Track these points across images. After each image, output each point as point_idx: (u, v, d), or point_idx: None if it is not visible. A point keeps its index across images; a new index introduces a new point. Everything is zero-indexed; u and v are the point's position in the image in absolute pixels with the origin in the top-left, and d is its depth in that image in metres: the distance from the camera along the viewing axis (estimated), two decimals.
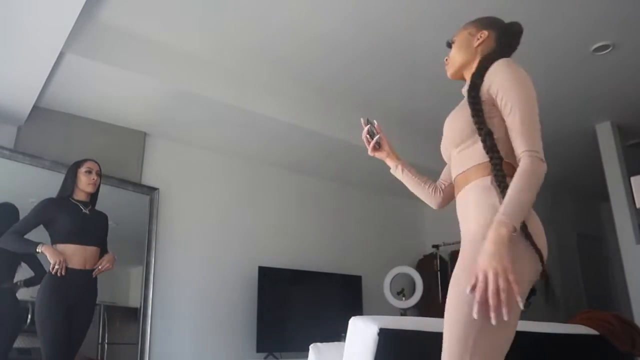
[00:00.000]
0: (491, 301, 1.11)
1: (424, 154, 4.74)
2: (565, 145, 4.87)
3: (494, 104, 1.35)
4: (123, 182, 3.65)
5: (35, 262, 2.96)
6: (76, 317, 2.64)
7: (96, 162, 2.94)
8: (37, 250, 2.58)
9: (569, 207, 6.19)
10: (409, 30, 3.15)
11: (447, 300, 1.28)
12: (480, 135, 1.33)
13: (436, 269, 5.15)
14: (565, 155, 5.09)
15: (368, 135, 1.74)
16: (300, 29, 3.16)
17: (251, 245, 4.29)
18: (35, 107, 3.25)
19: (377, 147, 1.76)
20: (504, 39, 1.54)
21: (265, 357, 3.92)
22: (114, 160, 3.64)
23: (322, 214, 4.93)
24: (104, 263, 2.76)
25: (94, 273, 2.74)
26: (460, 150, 1.41)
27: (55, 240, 2.68)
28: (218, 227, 4.16)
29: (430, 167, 4.70)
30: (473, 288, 1.14)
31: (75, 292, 2.62)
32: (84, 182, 2.83)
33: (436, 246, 5.25)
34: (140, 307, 3.57)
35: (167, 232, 3.85)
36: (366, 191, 5.40)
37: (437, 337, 1.75)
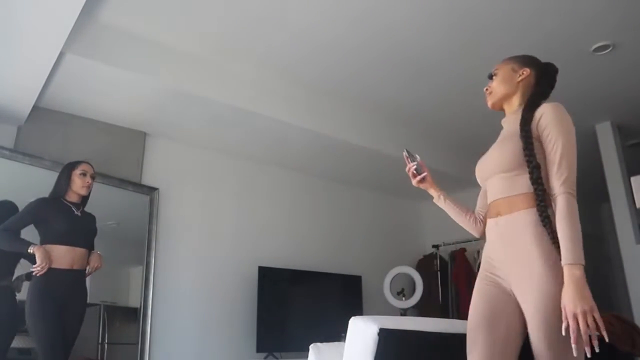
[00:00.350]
0: (584, 338, 1.32)
1: (429, 156, 4.75)
2: None
3: (539, 140, 1.55)
4: (123, 182, 3.65)
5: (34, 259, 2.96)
6: (67, 317, 2.65)
7: (90, 165, 2.93)
8: (29, 250, 2.60)
9: None
10: (416, 34, 3.15)
11: (551, 341, 1.43)
12: (528, 167, 1.51)
13: (436, 269, 5.15)
14: None
15: (414, 170, 1.90)
16: (300, 29, 3.16)
17: (251, 245, 4.29)
18: (35, 107, 3.25)
19: (422, 180, 1.90)
20: (543, 78, 1.75)
21: (265, 357, 3.92)
22: (114, 160, 3.64)
23: (322, 214, 4.93)
24: (94, 263, 2.78)
25: (87, 274, 2.76)
26: (506, 177, 1.58)
27: (45, 240, 2.68)
28: (218, 227, 4.16)
29: (436, 168, 4.73)
30: (567, 330, 1.34)
31: (63, 292, 2.64)
32: (78, 185, 2.83)
33: (436, 246, 5.25)
34: (140, 307, 3.57)
35: (167, 232, 3.85)
36: (366, 191, 5.40)
37: (436, 337, 1.75)
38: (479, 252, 4.96)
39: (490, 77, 1.78)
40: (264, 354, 3.92)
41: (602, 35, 3.23)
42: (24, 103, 3.15)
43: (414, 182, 1.90)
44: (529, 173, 1.50)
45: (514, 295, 1.52)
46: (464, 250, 5.09)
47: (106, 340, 3.40)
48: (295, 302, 4.31)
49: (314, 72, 3.65)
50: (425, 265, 5.26)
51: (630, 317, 3.64)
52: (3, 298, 2.89)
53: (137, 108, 3.54)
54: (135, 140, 3.83)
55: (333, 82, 3.80)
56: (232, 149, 4.29)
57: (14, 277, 2.96)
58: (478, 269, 5.59)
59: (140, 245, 3.68)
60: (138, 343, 3.48)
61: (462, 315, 4.78)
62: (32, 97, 3.10)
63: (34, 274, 2.57)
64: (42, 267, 2.55)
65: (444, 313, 4.96)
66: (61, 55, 2.82)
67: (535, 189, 1.48)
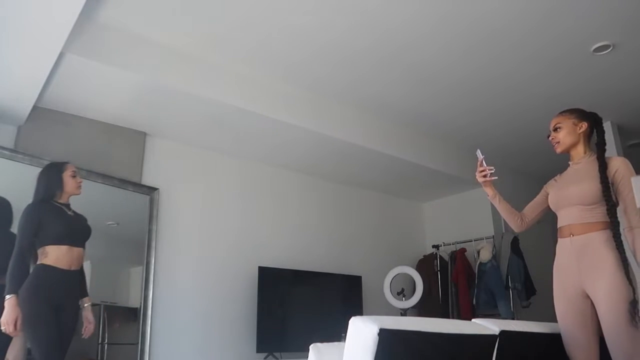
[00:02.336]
0: None
1: (426, 153, 4.75)
2: None
3: (613, 184, 2.17)
4: (123, 182, 3.65)
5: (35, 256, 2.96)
6: (64, 317, 2.65)
7: (72, 164, 2.90)
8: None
9: None
10: (423, 39, 3.15)
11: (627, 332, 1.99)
12: (607, 204, 2.13)
13: (436, 269, 5.15)
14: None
15: (485, 171, 2.44)
16: (301, 29, 3.16)
17: (251, 245, 4.29)
18: (35, 107, 3.25)
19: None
20: (598, 129, 2.34)
21: (265, 357, 3.92)
22: (114, 160, 3.64)
23: (323, 214, 4.93)
24: (88, 325, 2.81)
25: (83, 336, 2.79)
26: (584, 209, 2.18)
27: (44, 242, 2.66)
28: (218, 227, 4.16)
29: (437, 168, 4.74)
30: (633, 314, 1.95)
31: (61, 292, 2.64)
32: (72, 186, 2.83)
33: (436, 246, 5.25)
34: (140, 307, 3.57)
35: (167, 232, 3.85)
36: (366, 192, 5.40)
37: (437, 337, 1.75)
38: (479, 252, 4.96)
39: (555, 129, 2.36)
40: (264, 354, 3.92)
41: (602, 35, 3.24)
42: (24, 103, 3.15)
43: (483, 180, 2.44)
44: (607, 210, 2.12)
45: (586, 293, 2.13)
46: (464, 250, 5.09)
47: (106, 341, 3.40)
48: (295, 302, 4.31)
49: (317, 73, 3.65)
50: (425, 265, 5.26)
51: None
52: (3, 297, 2.89)
53: (137, 108, 3.54)
54: (135, 140, 3.83)
55: (334, 83, 3.80)
56: (233, 149, 4.29)
57: None
58: (478, 269, 5.58)
59: (140, 245, 3.68)
60: (138, 343, 3.48)
61: (462, 315, 4.78)
62: (32, 97, 3.10)
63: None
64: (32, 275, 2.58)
65: (444, 313, 4.96)
66: (61, 55, 2.82)
67: (612, 222, 2.11)
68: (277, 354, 3.95)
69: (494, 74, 3.69)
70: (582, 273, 2.13)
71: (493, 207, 5.26)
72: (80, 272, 2.81)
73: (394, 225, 5.53)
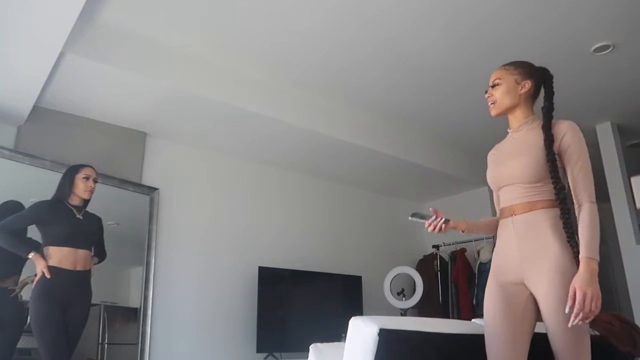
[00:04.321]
0: (584, 317, 1.53)
1: (425, 152, 4.75)
2: None
3: (559, 153, 1.75)
4: (123, 182, 3.65)
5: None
6: (71, 318, 2.67)
7: (93, 169, 2.96)
8: (29, 256, 2.65)
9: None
10: (412, 31, 3.15)
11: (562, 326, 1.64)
12: (555, 188, 1.71)
13: (436, 269, 5.15)
14: None
15: (436, 226, 1.90)
16: (300, 29, 3.16)
17: (251, 245, 4.29)
18: (35, 107, 3.25)
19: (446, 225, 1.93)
20: (546, 90, 1.91)
21: (265, 357, 3.92)
22: (114, 160, 3.64)
23: (323, 214, 4.93)
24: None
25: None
26: (527, 187, 1.76)
27: (47, 242, 2.72)
28: (218, 227, 4.15)
29: (432, 167, 4.74)
30: (572, 306, 1.54)
31: (67, 293, 2.67)
32: (81, 189, 2.87)
33: (436, 246, 5.25)
34: (140, 307, 3.57)
35: (167, 232, 3.85)
36: (366, 191, 5.40)
37: (437, 338, 1.75)
38: (479, 252, 4.96)
39: (493, 85, 1.89)
40: (264, 354, 3.92)
41: (602, 35, 3.24)
42: (24, 103, 3.15)
43: (441, 232, 1.93)
44: (556, 194, 1.71)
45: (526, 285, 1.73)
46: (464, 250, 5.09)
47: (106, 341, 3.40)
48: (295, 302, 4.31)
49: (327, 76, 3.65)
50: (425, 265, 5.26)
51: (630, 317, 3.64)
52: (9, 298, 2.90)
53: (137, 108, 3.54)
54: (135, 140, 3.83)
55: (340, 83, 3.80)
56: (233, 149, 4.28)
57: (20, 278, 2.97)
58: (478, 269, 5.58)
59: (140, 245, 3.68)
60: (138, 343, 3.48)
61: (462, 315, 4.78)
62: (32, 97, 3.10)
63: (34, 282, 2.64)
64: (40, 278, 2.62)
65: (444, 313, 4.96)
66: (61, 55, 2.82)
67: (561, 208, 1.69)
68: (277, 354, 3.95)
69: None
70: (522, 260, 1.72)
71: (493, 208, 5.28)
72: (87, 273, 2.82)
73: (395, 225, 5.53)
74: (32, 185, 3.26)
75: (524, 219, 1.75)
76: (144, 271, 3.64)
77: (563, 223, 1.67)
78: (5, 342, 2.83)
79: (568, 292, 1.56)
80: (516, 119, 1.90)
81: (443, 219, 1.88)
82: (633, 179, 2.26)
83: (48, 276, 2.60)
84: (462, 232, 1.97)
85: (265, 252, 4.32)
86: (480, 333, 1.83)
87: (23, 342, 2.88)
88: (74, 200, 2.87)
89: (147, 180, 3.84)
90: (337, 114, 4.12)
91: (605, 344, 2.34)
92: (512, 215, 1.79)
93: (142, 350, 3.47)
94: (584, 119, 4.42)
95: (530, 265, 1.70)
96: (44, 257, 2.66)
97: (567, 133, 1.77)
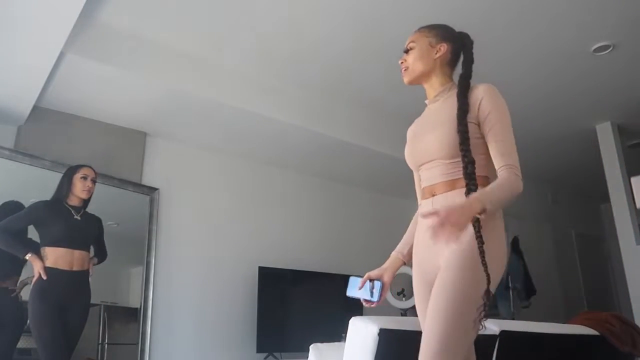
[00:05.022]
0: (440, 228, 1.27)
1: None
2: (565, 145, 4.86)
3: (478, 124, 1.51)
4: (123, 182, 3.64)
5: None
6: (70, 318, 2.67)
7: (92, 169, 2.97)
8: (26, 257, 2.66)
9: (569, 207, 6.19)
10: (412, 30, 3.15)
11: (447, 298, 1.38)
12: (463, 162, 1.46)
13: None
14: (565, 155, 5.09)
15: (371, 297, 1.66)
16: (300, 29, 3.16)
17: (251, 245, 4.29)
18: (35, 107, 3.25)
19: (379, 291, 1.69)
20: (464, 55, 1.65)
21: (265, 357, 3.92)
22: (114, 160, 3.64)
23: (323, 214, 4.93)
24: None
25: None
26: (446, 163, 1.52)
27: (44, 242, 2.73)
28: (218, 227, 4.15)
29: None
30: (432, 214, 1.30)
31: (64, 293, 2.67)
32: (79, 189, 2.87)
33: None
34: (140, 307, 3.57)
35: (167, 232, 3.85)
36: (367, 191, 5.40)
37: None
38: None
39: (406, 50, 1.72)
40: (264, 354, 3.92)
41: (602, 35, 3.24)
42: (24, 103, 3.15)
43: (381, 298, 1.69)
44: (463, 168, 1.46)
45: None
46: None
47: (106, 341, 3.40)
48: (295, 302, 4.31)
49: (322, 74, 3.65)
50: None
51: (630, 317, 3.64)
52: (7, 299, 2.90)
53: (137, 108, 3.54)
54: (135, 140, 3.83)
55: (340, 83, 3.79)
56: (233, 149, 4.28)
57: (19, 279, 2.97)
58: None
59: (140, 245, 3.68)
60: (138, 343, 3.48)
61: None
62: (32, 97, 3.10)
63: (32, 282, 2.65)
64: (37, 279, 2.63)
65: None
66: (61, 55, 2.82)
67: (467, 184, 1.43)
68: (277, 354, 3.95)
69: (493, 74, 3.68)
70: (438, 244, 1.44)
71: None
72: (85, 273, 2.82)
73: (395, 225, 5.51)
74: (32, 185, 3.26)
75: (443, 199, 1.52)
76: (144, 271, 3.64)
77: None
78: (5, 342, 2.83)
79: (467, 292, 1.35)
80: (432, 87, 1.68)
81: (377, 287, 1.64)
82: (633, 179, 2.26)
83: (44, 277, 2.61)
84: (405, 263, 1.75)
85: (265, 252, 4.31)
86: (481, 333, 1.83)
87: (23, 342, 2.89)
88: (73, 201, 2.88)
89: (147, 180, 3.84)
90: (338, 114, 4.12)
91: (605, 344, 2.34)
92: (432, 195, 1.56)
93: (142, 350, 3.47)
94: (584, 119, 4.42)
95: (443, 251, 1.46)
96: (40, 257, 2.66)
97: (484, 98, 1.52)
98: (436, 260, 1.48)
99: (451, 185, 1.52)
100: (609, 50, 3.36)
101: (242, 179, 4.43)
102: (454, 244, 1.34)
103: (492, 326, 1.97)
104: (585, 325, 2.41)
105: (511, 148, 1.47)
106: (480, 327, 1.35)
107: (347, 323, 1.72)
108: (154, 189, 3.83)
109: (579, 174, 5.60)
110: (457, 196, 1.47)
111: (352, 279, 1.69)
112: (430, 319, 1.36)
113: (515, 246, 4.86)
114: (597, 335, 2.36)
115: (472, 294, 1.35)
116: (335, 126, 4.08)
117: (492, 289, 1.36)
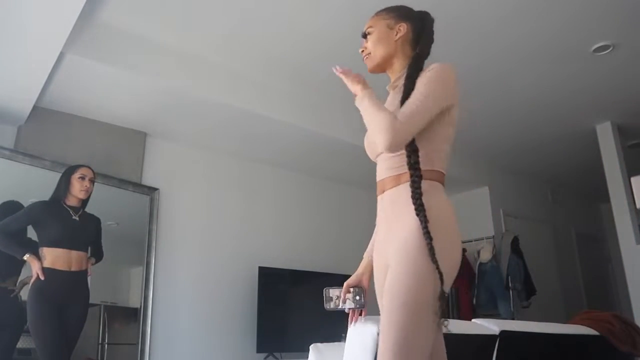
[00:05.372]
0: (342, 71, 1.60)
1: None
2: (565, 145, 4.87)
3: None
4: (123, 182, 3.64)
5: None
6: (68, 318, 2.68)
7: (90, 169, 2.97)
8: (24, 258, 2.67)
9: (569, 207, 6.19)
10: None
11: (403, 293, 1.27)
12: (405, 149, 1.34)
13: None
14: (565, 155, 5.09)
15: (358, 305, 1.65)
16: (300, 28, 3.16)
17: (251, 245, 4.29)
18: (35, 107, 3.25)
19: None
20: (422, 34, 1.57)
21: (265, 357, 3.92)
22: (114, 160, 3.64)
23: (323, 214, 4.93)
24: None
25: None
26: (397, 156, 1.40)
27: (42, 243, 2.74)
28: (218, 227, 4.15)
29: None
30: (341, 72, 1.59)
31: (62, 293, 2.68)
32: (77, 189, 2.87)
33: None
34: (140, 307, 3.57)
35: (167, 232, 3.85)
36: (366, 191, 5.39)
37: None
38: (479, 252, 4.96)
39: (365, 36, 1.61)
40: (264, 354, 3.92)
41: (602, 35, 3.24)
42: (24, 103, 3.15)
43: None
44: (407, 157, 1.34)
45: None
46: (464, 250, 5.09)
47: (106, 341, 3.40)
48: (295, 302, 4.30)
49: (322, 74, 3.65)
50: None
51: (631, 317, 3.64)
52: (7, 299, 2.90)
53: (137, 108, 3.54)
54: (135, 140, 3.83)
55: (339, 83, 3.79)
56: (233, 149, 4.28)
57: (19, 279, 2.98)
58: (478, 269, 5.58)
59: (140, 245, 3.68)
60: (138, 343, 3.48)
61: (462, 315, 4.78)
62: (32, 97, 3.10)
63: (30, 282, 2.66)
64: (35, 279, 2.64)
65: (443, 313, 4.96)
66: (61, 55, 2.82)
67: (411, 175, 1.32)
68: (277, 354, 3.95)
69: (492, 74, 3.69)
70: (387, 242, 1.40)
71: (493, 208, 5.29)
72: (83, 273, 2.82)
73: None
74: (32, 185, 3.26)
75: (389, 195, 1.42)
76: (144, 271, 3.64)
77: (412, 193, 1.30)
78: (5, 342, 2.84)
79: (408, 276, 1.25)
80: (394, 72, 1.56)
81: (361, 293, 1.60)
82: (633, 179, 2.26)
83: (42, 277, 2.61)
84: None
85: (265, 252, 4.31)
86: (481, 333, 1.83)
87: (23, 342, 2.89)
88: (71, 201, 2.88)
89: (147, 180, 3.84)
90: (339, 114, 4.12)
91: (605, 344, 2.34)
92: (383, 192, 1.46)
93: (142, 350, 3.47)
94: (584, 119, 4.42)
95: (390, 249, 1.36)
96: (39, 258, 2.66)
97: (427, 72, 1.41)
98: (385, 259, 1.39)
99: (396, 180, 1.40)
100: (609, 50, 3.36)
101: (243, 178, 4.43)
102: (396, 241, 1.31)
103: (492, 326, 1.97)
104: (585, 325, 2.41)
105: (415, 111, 1.33)
106: (444, 328, 1.28)
107: (347, 323, 1.71)
108: (154, 189, 3.83)
109: (579, 173, 5.60)
110: (403, 191, 1.35)
111: (328, 290, 1.64)
112: (382, 326, 1.26)
113: (515, 246, 4.86)
114: (597, 335, 2.36)
115: (423, 298, 1.23)
116: (337, 127, 4.07)
117: (447, 287, 1.26)
